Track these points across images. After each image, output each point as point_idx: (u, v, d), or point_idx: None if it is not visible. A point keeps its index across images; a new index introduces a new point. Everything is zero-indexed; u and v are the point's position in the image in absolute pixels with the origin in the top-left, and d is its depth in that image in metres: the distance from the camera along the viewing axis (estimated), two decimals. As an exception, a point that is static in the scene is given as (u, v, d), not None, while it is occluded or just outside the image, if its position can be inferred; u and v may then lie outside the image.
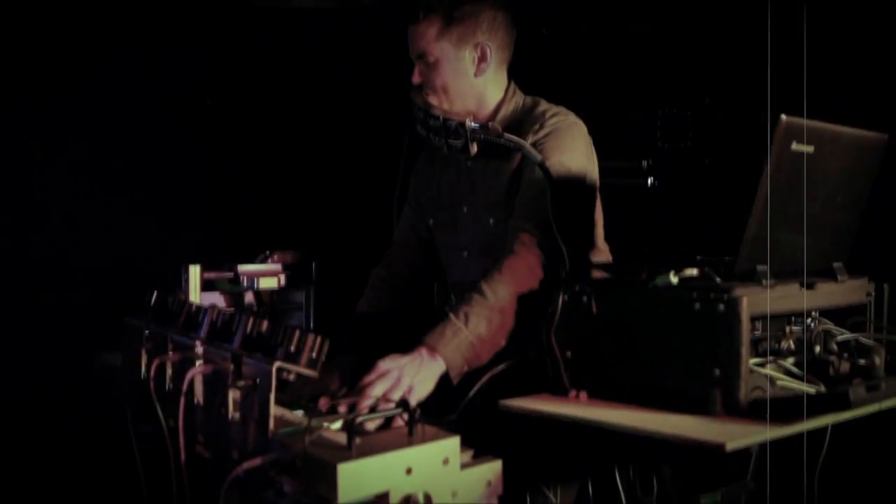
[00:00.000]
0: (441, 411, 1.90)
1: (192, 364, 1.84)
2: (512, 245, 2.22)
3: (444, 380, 1.99)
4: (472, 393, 1.97)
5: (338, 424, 1.65)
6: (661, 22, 3.68)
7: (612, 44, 3.84)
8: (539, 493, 2.08)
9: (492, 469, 1.62)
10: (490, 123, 2.26)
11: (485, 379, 2.00)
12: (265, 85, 3.82)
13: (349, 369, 2.20)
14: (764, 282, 1.76)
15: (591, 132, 2.41)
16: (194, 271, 2.36)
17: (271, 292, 2.58)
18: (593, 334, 1.88)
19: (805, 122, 1.76)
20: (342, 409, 1.76)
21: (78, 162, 3.39)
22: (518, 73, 2.52)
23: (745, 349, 1.67)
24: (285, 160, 3.88)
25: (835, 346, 1.89)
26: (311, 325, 2.63)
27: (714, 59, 3.55)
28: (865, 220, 2.03)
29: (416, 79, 2.40)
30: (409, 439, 1.58)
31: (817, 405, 1.68)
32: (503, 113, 2.44)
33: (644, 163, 3.60)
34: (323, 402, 1.92)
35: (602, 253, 2.53)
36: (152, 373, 1.92)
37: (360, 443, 1.53)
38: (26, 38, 3.28)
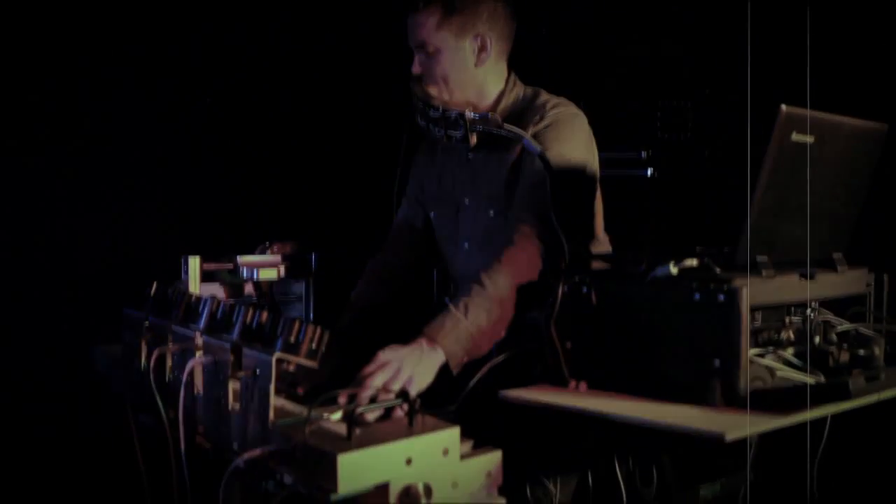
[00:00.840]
0: (441, 402, 1.90)
1: (192, 355, 1.84)
2: (512, 236, 2.21)
3: (444, 371, 1.99)
4: (471, 383, 1.97)
5: (338, 415, 1.66)
6: (660, 12, 3.68)
7: (612, 34, 3.84)
8: (539, 483, 2.08)
9: (492, 459, 1.62)
10: (490, 114, 2.26)
11: (484, 370, 2.00)
12: (264, 77, 3.82)
13: (335, 357, 2.20)
14: (764, 272, 1.76)
15: (592, 123, 2.41)
16: (194, 262, 2.36)
17: (271, 283, 2.58)
18: (593, 325, 1.88)
19: (805, 112, 1.76)
20: (342, 399, 1.76)
21: (77, 153, 3.39)
22: (518, 64, 2.51)
23: (744, 340, 1.67)
24: (285, 152, 3.87)
25: (834, 337, 1.89)
26: (311, 316, 2.63)
27: (713, 50, 3.55)
28: (865, 211, 2.02)
29: (415, 69, 2.39)
30: (409, 430, 1.59)
31: (817, 395, 1.68)
32: (504, 104, 2.44)
33: (644, 153, 3.60)
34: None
35: (602, 244, 2.53)
36: (152, 364, 1.93)
37: (359, 433, 1.54)
38: (27, 31, 3.28)
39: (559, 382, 1.92)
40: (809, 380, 1.76)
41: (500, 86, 2.46)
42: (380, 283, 2.57)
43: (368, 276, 2.58)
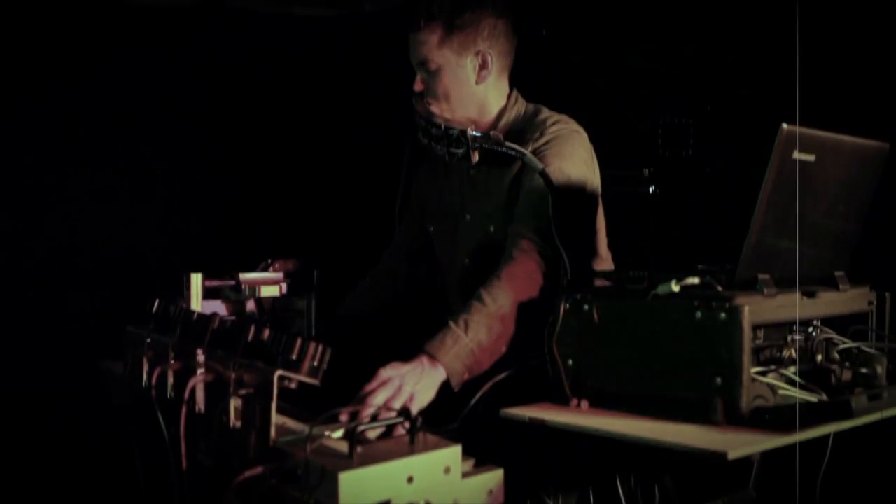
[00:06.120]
0: (442, 420, 1.90)
1: (194, 372, 1.84)
2: (511, 251, 2.21)
3: (446, 388, 1.99)
4: (473, 401, 1.97)
5: (339, 433, 1.65)
6: (662, 30, 3.69)
7: (614, 52, 3.85)
8: (540, 501, 2.07)
9: (493, 478, 1.62)
10: (492, 132, 2.26)
11: (486, 387, 2.00)
12: (268, 93, 3.83)
13: None
14: (765, 290, 1.76)
15: (593, 140, 2.41)
16: (196, 279, 2.36)
17: (273, 300, 2.58)
18: (595, 343, 1.88)
19: (806, 130, 1.76)
20: (343, 417, 1.76)
21: (80, 169, 3.39)
22: (520, 81, 2.52)
23: (746, 358, 1.67)
24: (287, 168, 3.88)
25: (836, 355, 1.89)
26: (313, 333, 2.63)
27: (715, 67, 3.56)
28: (867, 229, 2.03)
29: (417, 87, 2.41)
30: (411, 448, 1.58)
31: (819, 414, 1.68)
32: (505, 120, 2.45)
33: (645, 171, 3.60)
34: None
35: (605, 261, 2.53)
36: (154, 381, 1.92)
37: (361, 451, 1.53)
38: (27, 40, 3.29)
39: (561, 400, 1.92)
40: (811, 398, 1.75)
41: (502, 102, 2.47)
42: (367, 295, 2.61)
43: (356, 291, 2.62)
